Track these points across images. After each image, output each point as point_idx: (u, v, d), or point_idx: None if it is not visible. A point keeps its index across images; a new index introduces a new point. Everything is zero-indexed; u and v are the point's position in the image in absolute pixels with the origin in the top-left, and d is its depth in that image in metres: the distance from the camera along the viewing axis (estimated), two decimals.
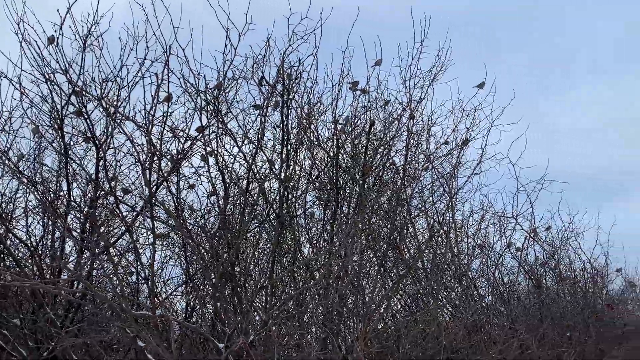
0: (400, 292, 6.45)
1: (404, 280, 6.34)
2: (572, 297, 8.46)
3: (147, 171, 4.50)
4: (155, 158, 4.67)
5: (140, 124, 4.52)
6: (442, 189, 6.92)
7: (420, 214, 6.86)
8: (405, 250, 6.44)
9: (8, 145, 5.09)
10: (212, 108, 4.87)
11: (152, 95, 4.46)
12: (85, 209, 5.16)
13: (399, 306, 6.56)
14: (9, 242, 5.05)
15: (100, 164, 5.01)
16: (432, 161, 6.64)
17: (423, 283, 6.46)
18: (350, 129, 5.86)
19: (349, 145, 5.90)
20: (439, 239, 6.87)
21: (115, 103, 4.64)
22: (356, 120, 5.92)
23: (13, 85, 4.86)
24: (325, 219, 5.86)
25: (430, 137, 6.58)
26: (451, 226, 7.05)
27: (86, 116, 4.91)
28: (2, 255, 5.02)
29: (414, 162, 6.52)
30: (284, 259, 5.59)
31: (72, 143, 5.18)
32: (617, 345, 8.40)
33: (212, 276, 4.65)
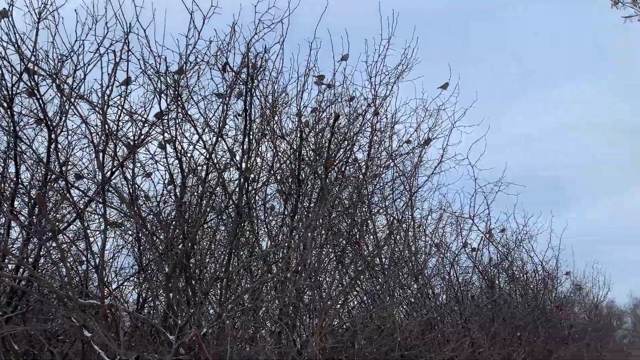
0: (357, 288, 6.45)
1: (362, 277, 6.34)
2: (523, 298, 8.68)
3: (101, 154, 4.29)
4: (111, 142, 4.47)
5: (96, 104, 4.30)
6: (403, 187, 6.97)
7: (380, 211, 6.88)
8: (365, 246, 6.44)
9: None
10: (172, 92, 4.71)
11: (109, 74, 4.25)
12: (34, 193, 4.92)
13: (355, 302, 6.56)
14: None
15: (52, 146, 4.77)
16: (394, 159, 6.67)
17: (380, 280, 6.48)
18: (314, 122, 5.80)
19: (313, 139, 5.85)
20: (398, 236, 6.90)
21: (70, 82, 4.41)
22: (320, 113, 5.86)
23: None
24: (286, 212, 5.78)
25: (393, 135, 6.62)
26: (410, 224, 7.11)
27: (38, 95, 4.66)
28: None
29: (376, 159, 6.53)
30: (241, 252, 5.48)
31: (22, 123, 4.93)
32: (563, 345, 8.66)
33: (166, 266, 4.50)
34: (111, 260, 5.66)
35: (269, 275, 5.15)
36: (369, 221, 6.54)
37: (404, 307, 6.90)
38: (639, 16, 6.29)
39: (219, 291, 5.05)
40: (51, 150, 4.78)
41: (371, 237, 6.65)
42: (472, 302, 7.91)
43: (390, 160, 6.64)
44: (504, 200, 7.70)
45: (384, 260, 6.64)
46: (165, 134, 4.86)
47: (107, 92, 4.25)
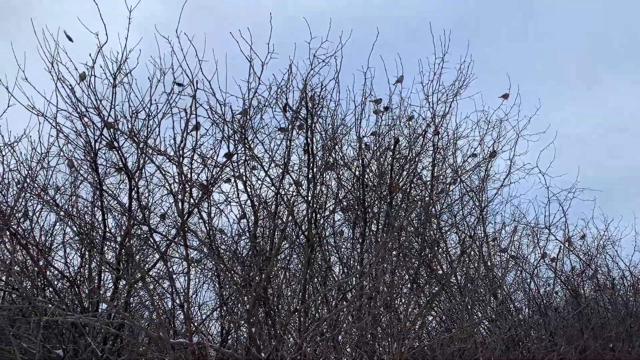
0: (434, 309, 6.39)
1: (438, 297, 6.29)
2: (613, 306, 8.24)
3: (180, 202, 4.61)
4: (187, 187, 4.78)
5: (171, 157, 4.65)
6: (472, 202, 6.88)
7: (451, 228, 6.82)
8: (438, 265, 6.39)
9: (46, 181, 5.29)
10: (238, 136, 4.97)
11: (182, 129, 4.61)
12: (119, 239, 5.30)
13: (433, 324, 6.50)
14: (49, 273, 5.21)
15: (133, 193, 5.15)
16: (460, 175, 6.62)
17: (457, 299, 6.39)
18: (375, 147, 5.89)
19: (375, 164, 5.93)
20: (472, 253, 6.80)
21: (144, 137, 4.78)
22: (380, 138, 5.95)
23: (49, 123, 5.05)
24: (354, 238, 5.88)
25: (456, 151, 6.58)
26: (483, 239, 6.98)
27: (118, 146, 5.06)
28: (43, 287, 5.19)
29: (441, 177, 6.51)
30: (315, 280, 5.61)
31: (105, 174, 5.36)
32: None
33: (247, 300, 4.70)
34: (193, 295, 5.96)
35: (345, 303, 5.23)
36: (440, 240, 6.50)
37: (485, 324, 6.75)
38: None
39: (297, 320, 5.20)
40: (132, 197, 5.15)
41: (444, 256, 6.60)
42: (556, 314, 7.61)
43: (457, 176, 6.59)
44: (581, 206, 7.43)
45: (459, 278, 6.56)
46: (235, 173, 5.12)
47: (181, 144, 4.60)
